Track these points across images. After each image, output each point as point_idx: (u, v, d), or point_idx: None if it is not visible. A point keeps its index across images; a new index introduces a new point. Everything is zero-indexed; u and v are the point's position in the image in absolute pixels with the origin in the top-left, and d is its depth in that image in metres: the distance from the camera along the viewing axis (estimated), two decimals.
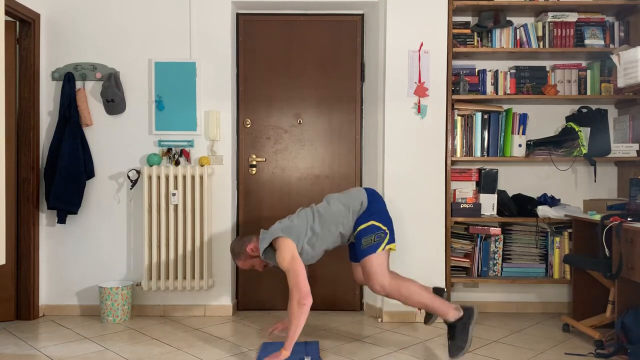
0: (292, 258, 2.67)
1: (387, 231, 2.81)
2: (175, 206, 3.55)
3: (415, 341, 3.13)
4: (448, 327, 2.75)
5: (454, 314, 2.72)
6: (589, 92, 3.65)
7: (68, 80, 3.58)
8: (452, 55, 3.60)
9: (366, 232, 2.79)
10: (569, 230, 3.59)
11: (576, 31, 3.64)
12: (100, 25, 3.67)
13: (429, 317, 2.96)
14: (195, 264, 3.54)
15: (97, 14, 3.66)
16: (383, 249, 2.77)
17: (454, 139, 3.61)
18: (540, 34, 3.64)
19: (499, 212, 3.65)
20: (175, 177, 3.54)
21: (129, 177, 3.62)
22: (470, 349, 2.97)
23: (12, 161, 3.51)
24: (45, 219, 3.67)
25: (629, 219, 2.88)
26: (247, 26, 3.81)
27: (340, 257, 3.57)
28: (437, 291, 3.00)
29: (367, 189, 2.96)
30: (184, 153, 3.64)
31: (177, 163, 3.63)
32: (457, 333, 2.67)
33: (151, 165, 3.55)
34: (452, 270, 3.65)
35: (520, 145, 3.62)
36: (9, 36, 3.49)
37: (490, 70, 3.67)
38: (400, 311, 3.51)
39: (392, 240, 2.82)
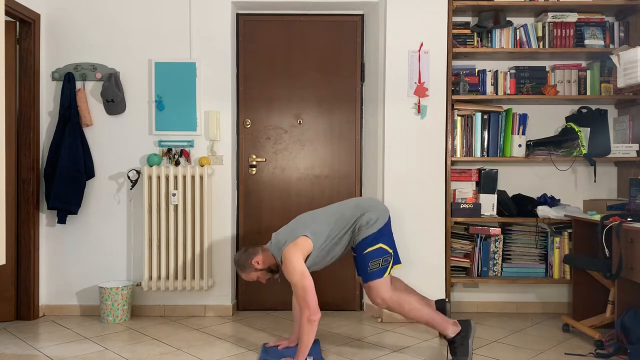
0: (301, 274, 2.59)
1: (392, 254, 2.80)
2: (176, 206, 3.55)
3: (415, 341, 3.13)
4: (448, 343, 2.76)
5: (453, 330, 2.72)
6: (588, 93, 3.65)
7: (68, 80, 3.57)
8: (452, 56, 3.60)
9: (373, 255, 2.74)
10: (569, 231, 3.59)
11: (576, 31, 3.64)
12: (101, 25, 3.66)
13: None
14: (195, 264, 3.55)
15: (97, 14, 3.66)
16: (389, 273, 2.77)
17: (454, 139, 3.61)
18: (540, 34, 3.64)
19: (499, 212, 3.65)
20: (175, 177, 3.54)
21: (129, 177, 3.62)
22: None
23: (12, 161, 3.51)
24: (45, 219, 3.67)
25: (628, 219, 2.88)
26: (247, 26, 3.81)
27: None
28: (440, 302, 3.01)
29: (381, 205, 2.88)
30: (184, 153, 3.64)
31: (177, 163, 3.63)
32: (457, 348, 2.69)
33: (151, 166, 3.55)
34: (452, 271, 3.65)
35: (520, 146, 3.62)
36: (9, 36, 3.49)
37: (490, 71, 3.67)
38: None
39: (397, 261, 2.84)
